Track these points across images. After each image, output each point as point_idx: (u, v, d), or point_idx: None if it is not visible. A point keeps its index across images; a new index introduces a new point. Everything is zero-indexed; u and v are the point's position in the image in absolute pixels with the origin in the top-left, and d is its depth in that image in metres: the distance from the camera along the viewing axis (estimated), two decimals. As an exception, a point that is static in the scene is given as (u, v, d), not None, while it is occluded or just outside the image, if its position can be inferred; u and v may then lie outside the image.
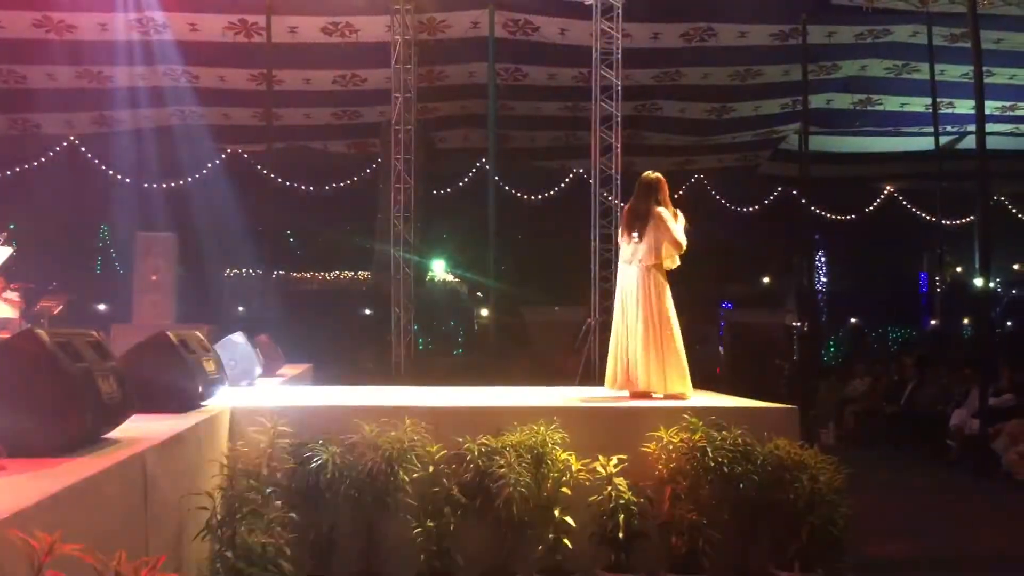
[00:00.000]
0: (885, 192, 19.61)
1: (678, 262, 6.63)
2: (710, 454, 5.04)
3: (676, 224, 6.57)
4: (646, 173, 6.83)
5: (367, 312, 18.84)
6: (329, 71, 15.25)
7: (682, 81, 15.91)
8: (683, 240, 6.53)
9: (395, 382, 12.27)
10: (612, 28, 12.77)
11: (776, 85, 16.13)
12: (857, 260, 24.17)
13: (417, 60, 14.03)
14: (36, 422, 3.09)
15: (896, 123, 17.79)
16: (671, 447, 5.17)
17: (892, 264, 24.24)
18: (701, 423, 5.28)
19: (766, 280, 24.78)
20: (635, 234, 6.52)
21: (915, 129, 17.65)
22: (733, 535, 5.15)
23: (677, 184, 18.82)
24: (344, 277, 22.62)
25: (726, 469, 5.03)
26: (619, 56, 12.83)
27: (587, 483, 5.10)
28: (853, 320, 26.26)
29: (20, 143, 16.42)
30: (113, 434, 3.58)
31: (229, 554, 3.83)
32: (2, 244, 8.40)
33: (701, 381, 7.31)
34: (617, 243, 6.84)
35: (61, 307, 10.94)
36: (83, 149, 16.42)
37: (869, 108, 17.28)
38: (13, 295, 10.67)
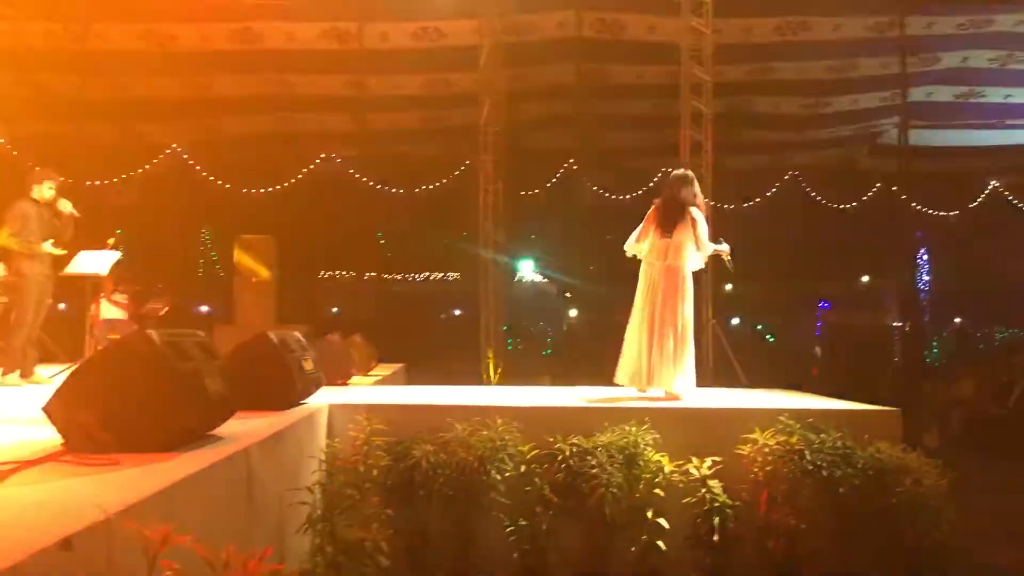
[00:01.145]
0: (990, 187, 18.80)
1: (703, 264, 6.60)
2: (808, 457, 4.94)
3: (704, 226, 6.46)
4: (680, 170, 6.74)
5: (457, 313, 19.04)
6: (418, 75, 15.46)
7: (775, 76, 15.57)
8: (708, 244, 6.44)
9: (483, 382, 12.37)
10: (702, 24, 12.59)
11: (874, 78, 15.64)
12: (961, 258, 23.24)
13: (504, 63, 14.10)
14: (148, 419, 3.22)
15: (1001, 116, 17.04)
16: (767, 450, 5.07)
17: (998, 262, 23.22)
18: (798, 425, 5.16)
19: (865, 279, 24.05)
20: (668, 232, 6.43)
21: (1021, 121, 16.88)
22: (832, 540, 5.02)
23: (771, 181, 18.49)
24: (434, 278, 22.90)
25: (825, 473, 4.91)
26: (710, 52, 12.63)
27: (680, 485, 5.05)
28: (957, 320, 25.25)
29: (126, 151, 17.13)
30: (218, 431, 3.71)
31: (329, 548, 3.93)
32: (110, 249, 8.78)
33: (795, 382, 7.15)
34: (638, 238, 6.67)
35: (166, 309, 11.36)
36: (185, 156, 17.03)
37: (972, 100, 16.60)
38: (121, 298, 11.17)
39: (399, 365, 11.41)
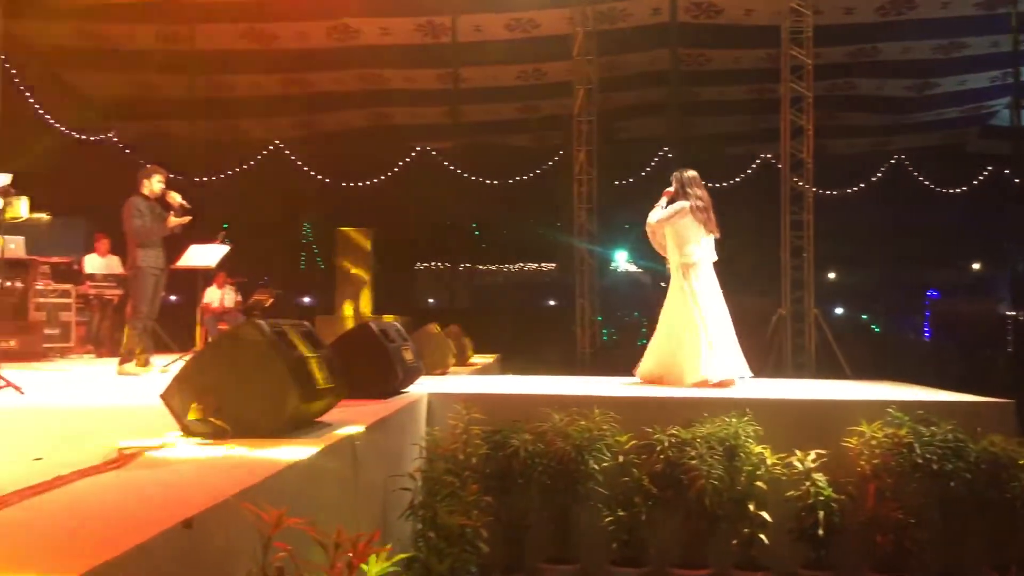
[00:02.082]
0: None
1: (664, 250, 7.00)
2: (917, 450, 4.78)
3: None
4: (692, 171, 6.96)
5: (551, 303, 19.07)
6: (512, 66, 15.53)
7: (879, 57, 15.07)
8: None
9: (579, 372, 12.35)
10: (802, 5, 12.24)
11: (984, 57, 14.98)
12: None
13: (598, 51, 14.03)
14: (259, 406, 3.34)
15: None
16: (874, 442, 4.92)
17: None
18: (907, 418, 5.00)
19: (976, 267, 23.04)
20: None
21: None
22: (942, 535, 4.86)
23: (875, 166, 17.89)
24: (528, 269, 22.97)
25: (935, 467, 4.75)
26: (810, 34, 12.28)
27: (783, 478, 4.95)
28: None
29: (230, 148, 17.74)
30: (324, 418, 3.82)
31: (431, 534, 4.00)
32: (219, 243, 9.10)
33: (902, 374, 6.94)
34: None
35: (271, 300, 11.72)
36: (287, 152, 17.53)
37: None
38: (230, 290, 11.59)
39: (494, 355, 11.51)
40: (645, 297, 20.21)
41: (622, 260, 20.62)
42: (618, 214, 17.25)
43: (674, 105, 13.95)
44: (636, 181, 17.19)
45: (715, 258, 6.98)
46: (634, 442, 5.10)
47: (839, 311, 20.30)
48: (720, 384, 6.36)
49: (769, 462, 4.96)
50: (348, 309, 13.09)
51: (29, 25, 13.68)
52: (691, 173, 6.91)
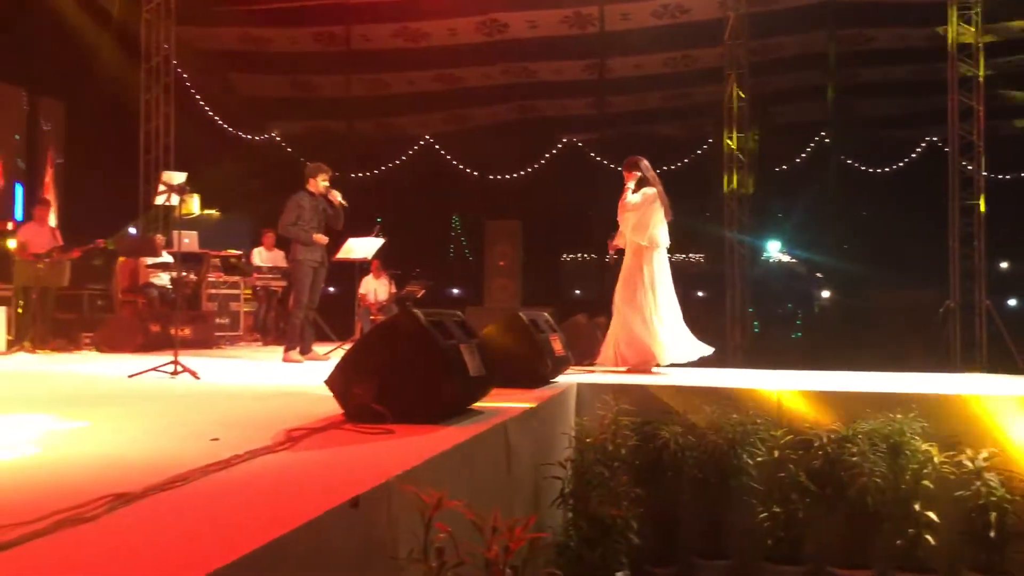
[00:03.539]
0: None
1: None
2: (1106, 451, 4.42)
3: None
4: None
5: (700, 294, 18.71)
6: (659, 54, 15.31)
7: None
8: None
9: (729, 365, 12.08)
10: (973, -22, 11.49)
11: None
12: None
13: (750, 34, 13.63)
14: (416, 393, 3.45)
15: None
16: (1053, 442, 4.60)
17: None
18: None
19: None
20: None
21: None
22: None
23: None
24: (675, 259, 22.63)
25: None
26: (980, 9, 11.51)
27: (952, 477, 4.70)
28: None
29: (384, 144, 18.31)
30: (478, 405, 3.90)
31: (583, 523, 4.03)
32: (375, 236, 9.42)
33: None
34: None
35: (423, 291, 12.05)
36: (437, 146, 17.94)
37: None
38: (385, 281, 11.99)
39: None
40: (800, 288, 19.55)
41: (775, 250, 20.01)
42: (772, 202, 16.75)
43: (833, 87, 13.36)
44: (791, 168, 16.62)
45: (669, 243, 7.06)
46: (790, 437, 4.96)
47: (1012, 303, 18.97)
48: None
49: (936, 460, 4.72)
50: (496, 300, 13.29)
51: (197, 32, 14.60)
52: (646, 161, 7.11)
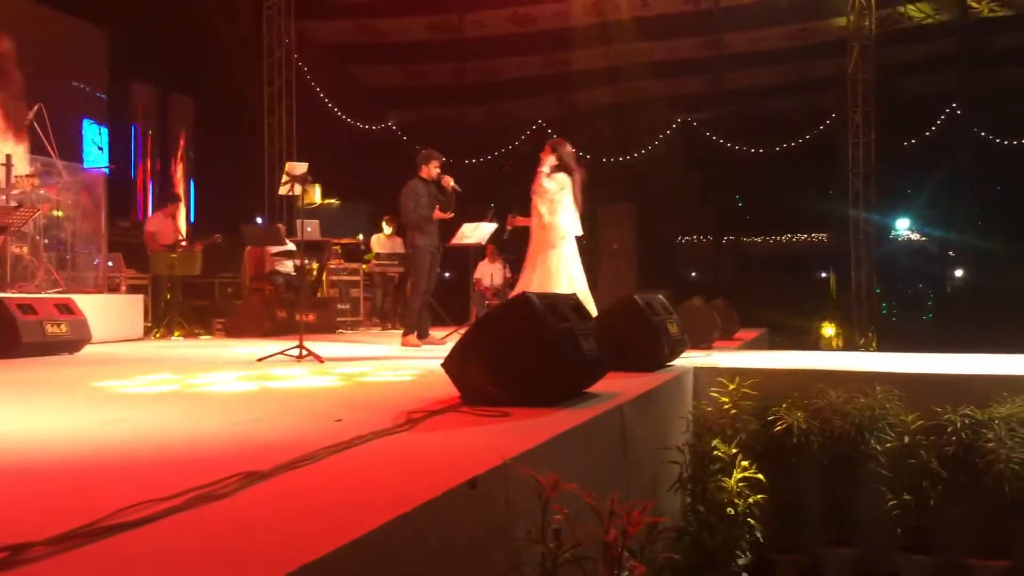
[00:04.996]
0: None
1: None
2: None
3: None
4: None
5: (823, 275, 18.12)
6: (778, 28, 14.84)
7: None
8: None
9: (853, 348, 11.66)
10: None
11: None
12: None
13: (876, 3, 13.02)
14: (532, 376, 3.45)
15: None
16: None
17: None
18: None
19: None
20: None
21: None
22: None
23: None
24: (798, 240, 21.94)
25: None
26: None
27: (1101, 465, 4.40)
28: None
29: (496, 131, 18.40)
30: (593, 388, 3.88)
31: (702, 508, 3.96)
32: (489, 221, 9.48)
33: None
34: None
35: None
36: (549, 131, 17.90)
37: None
38: (499, 265, 12.09)
39: (761, 329, 11.14)
40: (930, 268, 18.68)
41: (903, 228, 19.16)
42: (899, 178, 16.03)
43: (963, 58, 12.65)
44: (920, 142, 15.84)
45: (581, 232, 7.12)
46: (921, 422, 4.74)
47: None
48: None
49: (1083, 448, 4.42)
50: (609, 284, 13.20)
51: (315, 25, 15.00)
52: (570, 147, 7.20)
